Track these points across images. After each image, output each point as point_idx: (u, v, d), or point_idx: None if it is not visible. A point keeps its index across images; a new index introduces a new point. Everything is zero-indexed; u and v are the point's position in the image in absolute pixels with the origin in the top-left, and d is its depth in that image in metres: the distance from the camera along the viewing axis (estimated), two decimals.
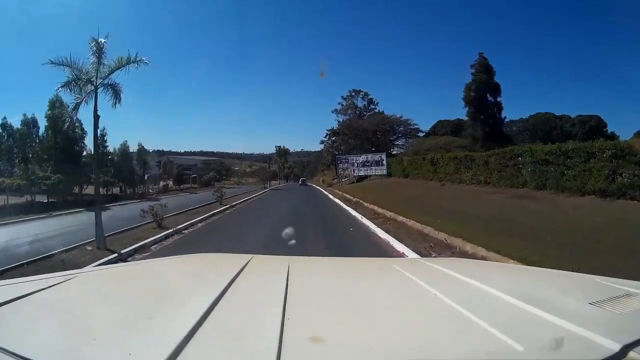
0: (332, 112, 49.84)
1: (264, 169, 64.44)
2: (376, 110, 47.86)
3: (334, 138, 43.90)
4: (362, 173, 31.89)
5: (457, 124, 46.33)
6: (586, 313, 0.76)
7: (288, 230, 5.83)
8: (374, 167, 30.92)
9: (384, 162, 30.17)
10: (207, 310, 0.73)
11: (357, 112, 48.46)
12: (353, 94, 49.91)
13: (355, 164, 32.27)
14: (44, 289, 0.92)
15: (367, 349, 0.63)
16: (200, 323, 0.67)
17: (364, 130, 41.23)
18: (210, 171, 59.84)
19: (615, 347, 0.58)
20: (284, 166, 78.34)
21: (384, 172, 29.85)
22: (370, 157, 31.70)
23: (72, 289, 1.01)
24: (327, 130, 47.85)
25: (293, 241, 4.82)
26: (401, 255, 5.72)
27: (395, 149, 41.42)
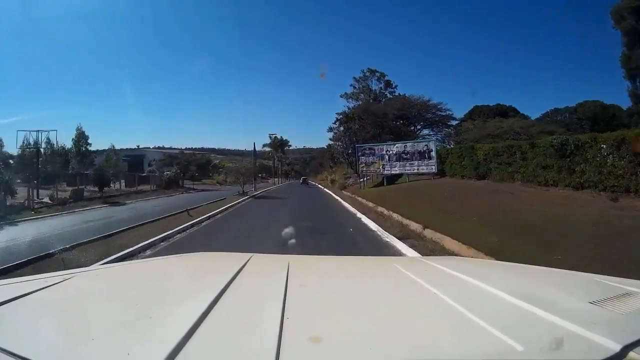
0: (341, 96, 39.17)
1: (263, 165, 52.10)
2: (396, 94, 37.42)
3: (347, 124, 32.99)
4: (396, 170, 20.85)
5: (498, 110, 37.25)
6: (586, 313, 0.76)
7: None
8: (416, 162, 19.84)
9: (433, 153, 19.25)
10: (206, 310, 0.72)
11: (372, 96, 38.30)
12: (367, 74, 39.27)
13: (387, 157, 21.03)
14: (42, 288, 0.91)
15: (366, 349, 0.62)
16: (200, 322, 0.66)
17: (383, 116, 30.80)
18: (175, 167, 38.39)
19: (616, 347, 0.57)
20: (283, 162, 67.06)
21: (433, 168, 19.03)
22: (410, 146, 20.51)
23: (70, 289, 1.00)
24: (337, 114, 36.28)
25: None
26: None
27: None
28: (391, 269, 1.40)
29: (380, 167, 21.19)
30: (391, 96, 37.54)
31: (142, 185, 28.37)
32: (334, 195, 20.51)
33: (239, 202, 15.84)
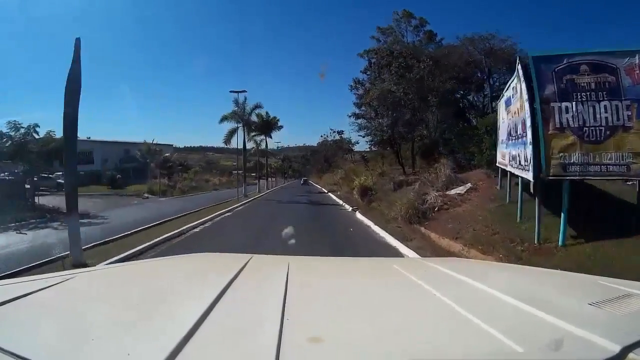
0: (360, 55, 24.11)
1: (261, 164, 32.52)
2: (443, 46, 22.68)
3: (393, 67, 18.05)
4: None
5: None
6: (586, 314, 0.75)
7: None
8: None
9: None
10: (206, 310, 0.72)
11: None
12: (400, 18, 23.75)
13: None
14: (42, 289, 0.91)
15: (366, 349, 0.62)
16: (200, 323, 0.66)
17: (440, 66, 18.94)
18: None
19: (615, 348, 0.57)
20: (273, 155, 48.42)
21: None
22: None
23: (71, 289, 0.99)
24: (365, 52, 23.02)
25: None
26: None
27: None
28: (391, 270, 1.39)
29: None
30: (442, 45, 22.61)
31: None
32: None
33: None
